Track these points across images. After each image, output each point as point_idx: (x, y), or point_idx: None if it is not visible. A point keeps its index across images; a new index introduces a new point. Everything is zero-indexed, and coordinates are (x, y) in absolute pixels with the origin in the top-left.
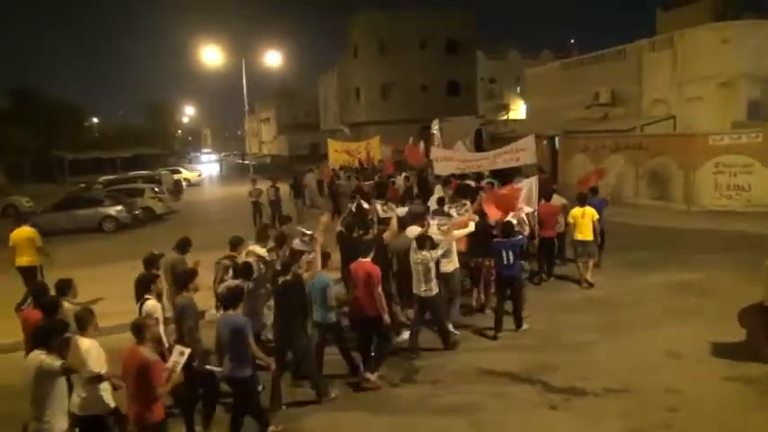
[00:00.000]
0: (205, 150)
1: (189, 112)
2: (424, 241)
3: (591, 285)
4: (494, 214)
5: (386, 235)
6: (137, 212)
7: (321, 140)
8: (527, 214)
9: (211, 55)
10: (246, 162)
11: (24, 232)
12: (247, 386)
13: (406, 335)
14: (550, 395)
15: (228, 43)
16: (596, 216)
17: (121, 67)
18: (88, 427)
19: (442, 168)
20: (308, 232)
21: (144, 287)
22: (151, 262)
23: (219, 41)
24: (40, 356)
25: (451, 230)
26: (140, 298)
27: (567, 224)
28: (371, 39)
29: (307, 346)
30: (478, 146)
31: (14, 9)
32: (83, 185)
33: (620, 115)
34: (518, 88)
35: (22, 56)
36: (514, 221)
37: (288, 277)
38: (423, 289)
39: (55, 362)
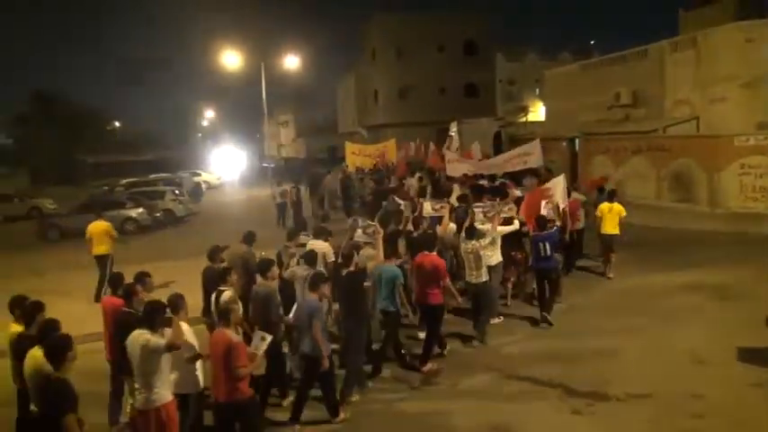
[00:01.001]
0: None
1: (209, 116)
2: (472, 231)
3: (610, 278)
4: (529, 215)
5: (439, 229)
6: (157, 215)
7: (339, 143)
8: (561, 208)
9: (231, 59)
10: (265, 165)
11: (101, 225)
12: (316, 362)
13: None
14: (572, 399)
15: (247, 47)
16: (623, 212)
17: (143, 70)
18: (179, 404)
19: (453, 170)
20: (372, 224)
21: (219, 279)
22: (215, 254)
23: (238, 45)
24: (144, 335)
25: (496, 220)
26: (210, 289)
27: (595, 219)
28: (389, 41)
29: (363, 338)
30: (498, 148)
31: (35, 12)
32: (105, 188)
33: (641, 116)
34: (537, 90)
35: (43, 59)
36: (546, 212)
37: (351, 268)
38: (474, 276)
39: (160, 340)
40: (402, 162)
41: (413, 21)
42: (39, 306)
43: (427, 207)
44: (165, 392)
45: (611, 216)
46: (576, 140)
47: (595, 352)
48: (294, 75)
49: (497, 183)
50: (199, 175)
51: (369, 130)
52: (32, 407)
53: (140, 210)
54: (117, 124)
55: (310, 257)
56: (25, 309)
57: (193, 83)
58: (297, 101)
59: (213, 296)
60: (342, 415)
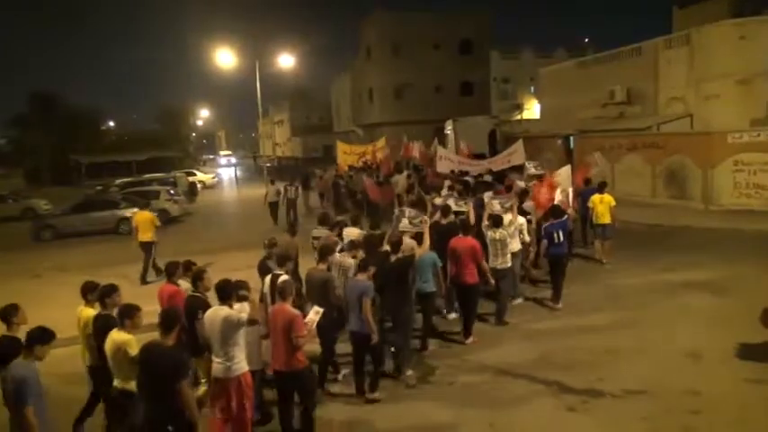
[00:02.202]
0: (224, 153)
1: (204, 115)
2: (499, 220)
3: (607, 263)
4: (544, 204)
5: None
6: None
7: (334, 142)
8: (566, 195)
9: (225, 57)
10: (262, 164)
11: (146, 215)
12: (365, 339)
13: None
14: (567, 396)
15: (242, 45)
16: (613, 202)
17: (137, 70)
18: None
19: (442, 166)
20: (420, 213)
21: (277, 266)
22: (273, 245)
23: (233, 44)
24: (224, 309)
25: (515, 210)
26: (264, 275)
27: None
28: (385, 40)
29: (410, 318)
30: (492, 146)
31: (31, 14)
32: (99, 188)
33: (636, 114)
34: (532, 88)
35: (38, 61)
36: (559, 201)
37: (400, 255)
38: (500, 262)
39: (242, 313)
40: (387, 160)
41: (409, 18)
42: (114, 288)
43: (452, 204)
44: (243, 364)
45: (603, 207)
46: (571, 138)
47: (591, 348)
48: (290, 74)
49: (485, 178)
50: (194, 174)
51: (364, 129)
52: (115, 383)
53: (135, 210)
54: (111, 124)
55: (353, 245)
56: (102, 290)
57: (188, 82)
58: (292, 100)
59: (269, 279)
60: (376, 394)
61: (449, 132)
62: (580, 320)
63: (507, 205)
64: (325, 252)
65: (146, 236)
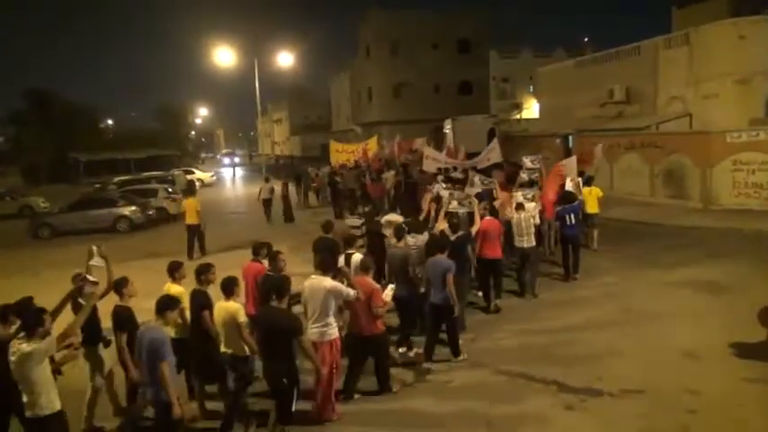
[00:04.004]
0: (225, 150)
1: (202, 113)
2: (521, 206)
3: (595, 250)
4: (553, 194)
5: (496, 203)
6: (150, 213)
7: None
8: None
9: (224, 56)
10: (259, 163)
11: (193, 201)
12: (447, 311)
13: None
14: (565, 395)
15: (241, 44)
16: (600, 194)
17: (136, 68)
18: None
19: (428, 165)
20: (467, 194)
21: (346, 245)
22: (329, 226)
23: (232, 43)
24: (327, 281)
25: (537, 199)
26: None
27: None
28: (384, 39)
29: (466, 287)
30: None
31: (29, 12)
32: (97, 186)
33: (635, 113)
34: (531, 87)
35: (36, 58)
36: (571, 188)
37: (459, 234)
38: (525, 240)
39: (350, 290)
40: (375, 159)
41: (408, 17)
42: (209, 266)
43: (476, 181)
44: (335, 330)
45: (592, 198)
46: (570, 137)
47: (589, 347)
48: (289, 72)
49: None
50: (192, 172)
51: (363, 128)
52: (223, 348)
53: (133, 208)
54: (110, 122)
55: (416, 228)
56: (199, 269)
57: (187, 81)
58: (291, 98)
59: (343, 257)
60: (463, 355)
61: (447, 131)
62: (578, 318)
63: (530, 196)
64: (399, 232)
65: (192, 219)
